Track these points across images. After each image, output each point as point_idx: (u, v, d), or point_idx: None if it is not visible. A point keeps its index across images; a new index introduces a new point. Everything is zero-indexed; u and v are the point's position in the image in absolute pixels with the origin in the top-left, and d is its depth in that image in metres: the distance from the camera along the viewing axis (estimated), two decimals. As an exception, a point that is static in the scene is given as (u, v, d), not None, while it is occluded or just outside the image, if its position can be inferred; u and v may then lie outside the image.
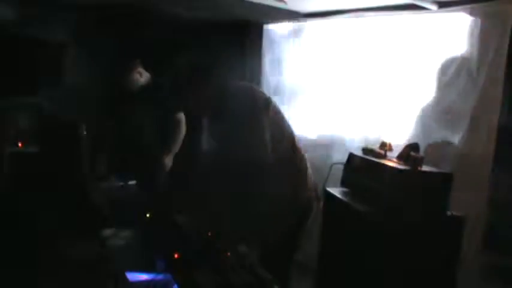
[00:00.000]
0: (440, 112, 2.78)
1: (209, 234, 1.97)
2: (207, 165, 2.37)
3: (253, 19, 3.88)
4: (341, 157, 2.81)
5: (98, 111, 3.15)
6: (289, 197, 2.20)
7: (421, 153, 2.41)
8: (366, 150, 2.54)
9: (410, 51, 2.98)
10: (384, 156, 2.43)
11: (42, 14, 3.28)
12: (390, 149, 2.47)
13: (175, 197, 2.48)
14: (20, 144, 3.03)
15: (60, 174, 2.66)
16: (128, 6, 3.26)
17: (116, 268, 1.85)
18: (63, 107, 3.10)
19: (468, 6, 2.64)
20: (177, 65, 2.22)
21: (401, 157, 2.37)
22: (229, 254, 1.85)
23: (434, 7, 2.75)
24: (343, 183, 2.60)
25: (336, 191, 2.58)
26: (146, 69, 3.04)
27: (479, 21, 2.60)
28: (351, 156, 2.60)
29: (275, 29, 3.92)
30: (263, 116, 2.11)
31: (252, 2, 3.02)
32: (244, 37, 4.03)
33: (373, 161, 2.39)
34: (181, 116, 3.02)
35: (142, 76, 3.00)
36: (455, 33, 2.73)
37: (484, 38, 2.57)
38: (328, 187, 2.64)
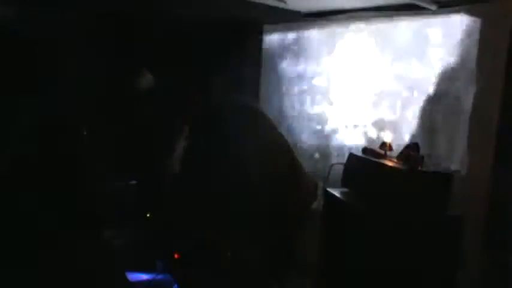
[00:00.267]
0: (440, 111, 2.78)
1: (209, 234, 1.97)
2: (206, 167, 2.37)
3: (253, 19, 3.87)
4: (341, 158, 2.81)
5: (100, 112, 3.14)
6: (286, 197, 2.21)
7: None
8: (366, 150, 2.54)
9: (410, 51, 2.98)
10: (384, 156, 2.43)
11: (43, 14, 3.28)
12: (390, 149, 2.47)
13: (176, 197, 2.48)
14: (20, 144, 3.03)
15: (60, 174, 2.65)
16: (127, 6, 3.26)
17: (116, 268, 1.85)
18: (65, 107, 3.10)
19: (468, 6, 2.64)
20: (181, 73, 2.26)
21: (401, 157, 2.37)
22: (229, 254, 1.85)
23: (434, 7, 2.75)
24: (343, 183, 2.60)
25: (336, 191, 2.57)
26: (146, 70, 3.04)
27: (479, 21, 2.59)
28: (351, 156, 2.60)
29: (275, 29, 3.92)
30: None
31: (252, 2, 3.02)
32: (243, 37, 4.02)
33: (373, 161, 2.39)
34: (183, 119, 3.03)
35: (145, 78, 3.01)
36: (455, 33, 2.73)
37: (484, 38, 2.57)
38: (328, 187, 2.64)
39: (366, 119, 3.24)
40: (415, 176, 2.22)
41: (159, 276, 1.73)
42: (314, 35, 3.59)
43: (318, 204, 2.65)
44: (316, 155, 3.53)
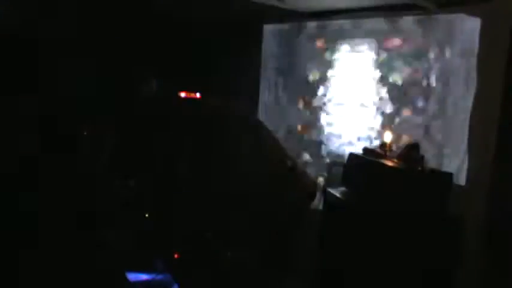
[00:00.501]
0: (439, 111, 2.78)
1: (209, 234, 1.97)
2: (206, 169, 2.39)
3: (253, 19, 3.87)
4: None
5: (101, 113, 3.14)
6: (283, 197, 2.22)
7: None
8: (366, 150, 2.54)
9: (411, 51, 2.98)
10: (384, 156, 2.43)
11: (44, 14, 3.28)
12: (390, 149, 2.46)
13: (176, 197, 2.48)
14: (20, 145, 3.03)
15: (61, 174, 2.65)
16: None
17: (116, 268, 1.85)
18: (66, 108, 3.10)
19: (468, 6, 2.64)
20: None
21: (401, 157, 2.36)
22: (229, 254, 1.85)
23: (434, 7, 2.75)
24: (343, 183, 2.60)
25: (336, 191, 2.57)
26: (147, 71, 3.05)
27: (479, 21, 2.59)
28: (351, 156, 2.59)
29: (275, 29, 3.91)
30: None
31: (252, 2, 3.02)
32: (243, 37, 4.02)
33: (373, 161, 2.39)
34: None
35: (149, 85, 3.01)
36: (455, 33, 2.73)
37: (484, 38, 2.57)
38: (328, 187, 2.64)
39: (365, 119, 3.24)
40: (415, 176, 2.22)
41: (159, 276, 1.73)
42: (314, 34, 3.59)
43: (317, 204, 2.65)
44: (316, 155, 3.53)
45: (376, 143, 2.99)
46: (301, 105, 3.68)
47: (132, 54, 3.06)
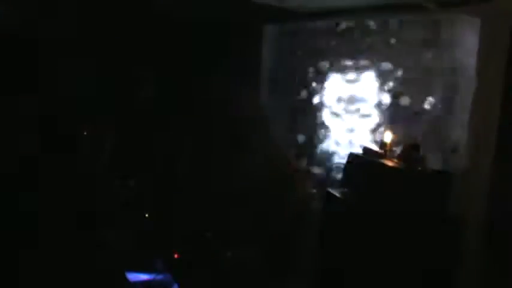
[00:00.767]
0: (440, 111, 2.78)
1: (209, 234, 1.97)
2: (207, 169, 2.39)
3: (252, 19, 3.87)
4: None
5: (101, 113, 3.15)
6: (284, 197, 2.22)
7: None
8: (366, 150, 2.54)
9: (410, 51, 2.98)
10: (384, 156, 2.43)
11: (44, 14, 3.28)
12: (390, 149, 2.47)
13: (176, 197, 2.48)
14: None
15: (61, 174, 2.66)
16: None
17: (116, 268, 1.85)
18: (66, 108, 3.10)
19: (468, 6, 2.64)
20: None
21: (401, 157, 2.37)
22: (229, 254, 1.86)
23: (434, 7, 2.75)
24: (343, 183, 2.60)
25: (336, 191, 2.57)
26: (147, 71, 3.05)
27: (479, 21, 2.60)
28: (351, 156, 2.60)
29: (275, 29, 3.91)
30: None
31: (252, 2, 3.02)
32: (243, 37, 4.02)
33: (373, 161, 2.39)
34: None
35: (149, 87, 3.02)
36: (456, 33, 2.73)
37: (484, 38, 2.57)
38: (329, 187, 2.64)
39: (365, 119, 3.24)
40: (415, 176, 2.22)
41: (159, 276, 1.73)
42: (314, 34, 3.59)
43: (317, 204, 2.65)
44: (316, 155, 3.53)
45: (376, 143, 2.99)
46: (300, 104, 3.68)
47: (132, 54, 3.06)
